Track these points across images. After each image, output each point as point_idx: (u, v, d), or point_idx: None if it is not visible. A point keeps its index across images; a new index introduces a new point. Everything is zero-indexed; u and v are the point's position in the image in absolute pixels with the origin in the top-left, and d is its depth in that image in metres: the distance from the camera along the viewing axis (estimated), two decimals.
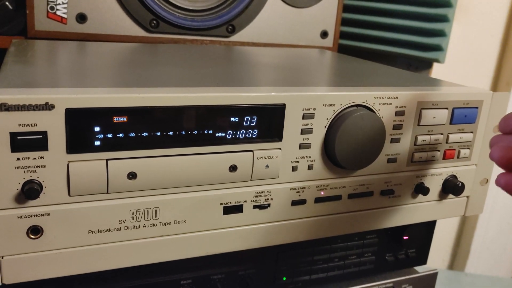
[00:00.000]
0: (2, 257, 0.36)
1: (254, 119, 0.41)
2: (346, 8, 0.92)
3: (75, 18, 0.68)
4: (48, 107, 0.34)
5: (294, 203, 0.45)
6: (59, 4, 0.66)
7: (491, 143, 0.39)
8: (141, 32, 0.71)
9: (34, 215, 0.36)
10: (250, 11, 0.76)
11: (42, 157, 0.35)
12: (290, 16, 0.79)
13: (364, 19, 0.94)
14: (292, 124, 0.42)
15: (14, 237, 0.36)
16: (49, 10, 0.66)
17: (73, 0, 0.67)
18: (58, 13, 0.67)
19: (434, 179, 0.51)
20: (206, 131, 0.40)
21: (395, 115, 0.46)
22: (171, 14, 0.72)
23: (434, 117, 0.48)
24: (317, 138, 0.44)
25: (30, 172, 0.35)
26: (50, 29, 0.67)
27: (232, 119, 0.40)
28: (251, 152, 0.42)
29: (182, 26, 0.72)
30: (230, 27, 0.76)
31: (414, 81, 0.54)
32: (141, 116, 0.37)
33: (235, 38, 0.77)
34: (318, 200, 0.46)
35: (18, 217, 0.36)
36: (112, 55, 0.59)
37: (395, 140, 0.47)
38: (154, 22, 0.71)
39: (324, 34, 0.83)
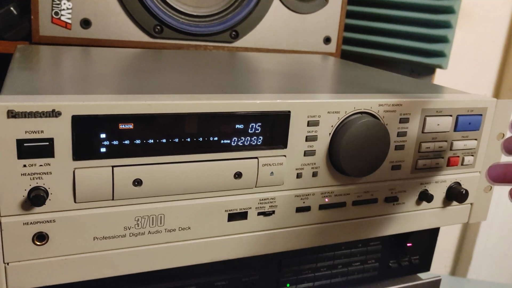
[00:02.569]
0: (8, 264, 0.36)
1: (259, 126, 0.41)
2: (349, 14, 0.92)
3: (80, 24, 0.68)
4: (54, 114, 0.34)
5: (299, 210, 0.45)
6: (63, 9, 0.67)
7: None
8: (145, 38, 0.72)
9: (40, 222, 0.36)
10: (254, 17, 0.76)
11: (49, 164, 0.35)
12: (293, 22, 0.80)
13: (367, 25, 0.94)
14: (297, 131, 0.42)
15: (20, 243, 0.36)
16: (54, 16, 0.67)
17: (77, 6, 0.67)
18: (62, 18, 0.67)
19: (438, 186, 0.51)
20: (211, 138, 0.40)
21: (399, 122, 0.47)
22: (175, 20, 0.72)
23: (438, 124, 0.48)
24: (321, 145, 0.44)
25: (36, 178, 0.35)
26: (54, 34, 0.67)
27: (237, 126, 0.40)
28: (256, 159, 0.42)
29: (186, 31, 0.73)
30: (233, 33, 0.76)
31: (418, 88, 0.55)
32: (147, 123, 0.37)
33: (238, 43, 0.77)
34: (322, 207, 0.46)
35: (24, 223, 0.36)
36: (117, 61, 0.59)
37: (399, 147, 0.47)
38: (158, 27, 0.71)
39: (327, 40, 0.83)
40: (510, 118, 0.52)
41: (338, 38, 0.84)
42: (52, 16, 0.67)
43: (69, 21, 0.67)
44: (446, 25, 0.85)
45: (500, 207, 1.29)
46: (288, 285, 0.52)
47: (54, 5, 0.66)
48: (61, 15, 0.67)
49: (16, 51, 0.58)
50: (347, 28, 0.92)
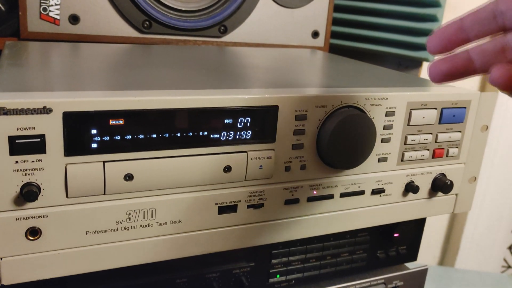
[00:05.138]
0: (1, 258, 0.37)
1: (247, 120, 0.42)
2: (337, 8, 0.93)
3: (68, 19, 0.68)
4: (46, 110, 0.35)
5: (287, 202, 0.46)
6: (51, 5, 0.67)
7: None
8: (134, 33, 0.72)
9: (33, 217, 0.37)
10: (242, 12, 0.77)
11: (40, 160, 0.35)
12: (282, 16, 0.80)
13: (355, 19, 0.95)
14: (285, 125, 0.43)
15: (13, 238, 0.37)
16: (42, 12, 0.67)
17: (65, 1, 0.67)
18: (50, 14, 0.67)
19: (424, 177, 0.52)
20: (200, 133, 0.40)
21: (385, 115, 0.47)
22: (164, 15, 0.72)
23: (423, 117, 0.49)
24: (309, 139, 0.45)
25: (29, 174, 0.35)
26: (43, 30, 0.67)
27: (226, 121, 0.41)
28: (245, 153, 0.42)
29: (174, 26, 0.73)
30: (222, 28, 0.76)
31: (404, 82, 0.55)
32: (137, 119, 0.38)
33: (227, 38, 0.77)
34: (310, 199, 0.47)
35: (16, 219, 0.36)
36: (106, 56, 0.60)
37: (385, 140, 0.48)
38: (147, 23, 0.72)
39: (315, 34, 0.84)
40: (493, 111, 0.53)
41: (326, 32, 0.84)
42: (40, 12, 0.67)
43: (57, 17, 0.68)
44: (432, 18, 0.86)
45: (486, 198, 1.31)
46: (278, 276, 0.53)
47: (42, 1, 0.66)
48: (50, 11, 0.67)
49: (5, 48, 0.58)
50: (335, 22, 0.93)
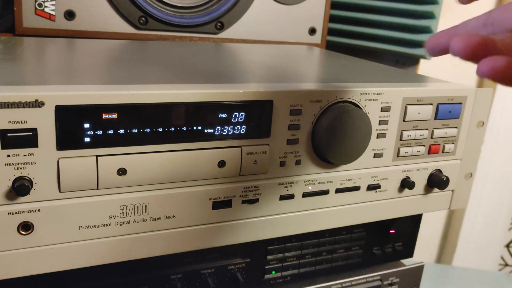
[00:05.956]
0: None
1: (242, 115, 0.42)
2: (334, 5, 0.92)
3: (63, 15, 0.68)
4: (38, 104, 0.34)
5: (282, 197, 0.46)
6: (47, 1, 0.66)
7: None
8: (129, 29, 0.72)
9: (25, 211, 0.36)
10: (239, 8, 0.77)
11: (32, 154, 0.35)
12: (279, 13, 0.80)
13: (352, 16, 0.95)
14: (279, 120, 0.43)
15: (5, 233, 0.36)
16: (37, 7, 0.66)
17: None
18: (46, 10, 0.67)
19: (420, 173, 0.52)
20: (195, 128, 0.40)
21: (381, 111, 0.47)
22: (160, 11, 0.72)
23: (419, 113, 0.49)
24: (304, 134, 0.44)
25: (21, 168, 0.35)
26: (38, 26, 0.67)
27: (220, 115, 0.41)
28: (240, 148, 0.42)
29: (170, 23, 0.73)
30: (218, 24, 0.76)
31: (400, 78, 0.55)
32: (131, 113, 0.38)
33: (223, 35, 0.77)
34: (306, 194, 0.47)
35: (8, 213, 0.36)
36: (101, 52, 0.59)
37: (381, 136, 0.48)
38: (143, 19, 0.71)
39: (312, 31, 0.83)
40: (489, 106, 0.53)
41: (323, 29, 0.84)
42: (35, 8, 0.66)
43: (53, 12, 0.67)
44: (430, 16, 0.85)
45: (484, 195, 1.31)
46: (273, 272, 0.53)
47: None
48: (45, 6, 0.67)
49: None
50: (332, 19, 0.93)
